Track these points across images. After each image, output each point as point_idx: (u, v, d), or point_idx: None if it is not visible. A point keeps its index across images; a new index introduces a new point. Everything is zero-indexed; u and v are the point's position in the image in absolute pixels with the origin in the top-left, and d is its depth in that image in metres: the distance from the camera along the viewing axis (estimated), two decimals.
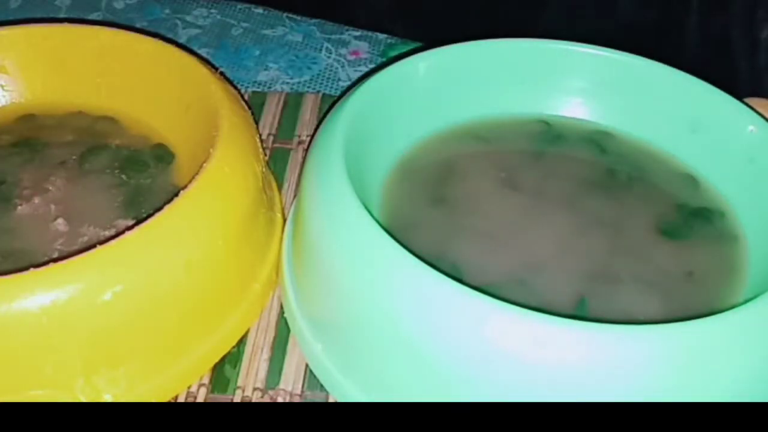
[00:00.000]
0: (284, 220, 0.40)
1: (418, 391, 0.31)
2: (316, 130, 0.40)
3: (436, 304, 0.30)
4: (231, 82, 0.42)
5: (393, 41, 0.56)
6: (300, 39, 0.56)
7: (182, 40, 0.55)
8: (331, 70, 0.53)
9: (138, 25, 0.56)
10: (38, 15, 0.57)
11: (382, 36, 0.56)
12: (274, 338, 0.37)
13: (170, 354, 0.34)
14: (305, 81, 0.53)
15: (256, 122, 0.42)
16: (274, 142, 0.47)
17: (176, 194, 0.33)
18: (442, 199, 0.38)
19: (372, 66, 0.53)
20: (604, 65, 0.41)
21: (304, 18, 0.58)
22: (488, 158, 0.41)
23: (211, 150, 0.35)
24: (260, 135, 0.42)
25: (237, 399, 0.35)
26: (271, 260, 0.38)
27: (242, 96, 0.41)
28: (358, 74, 0.53)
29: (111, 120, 0.43)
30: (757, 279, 0.35)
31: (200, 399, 0.35)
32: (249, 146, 0.37)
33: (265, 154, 0.44)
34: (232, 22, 0.57)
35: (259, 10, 0.58)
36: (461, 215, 0.38)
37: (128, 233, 0.31)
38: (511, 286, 0.34)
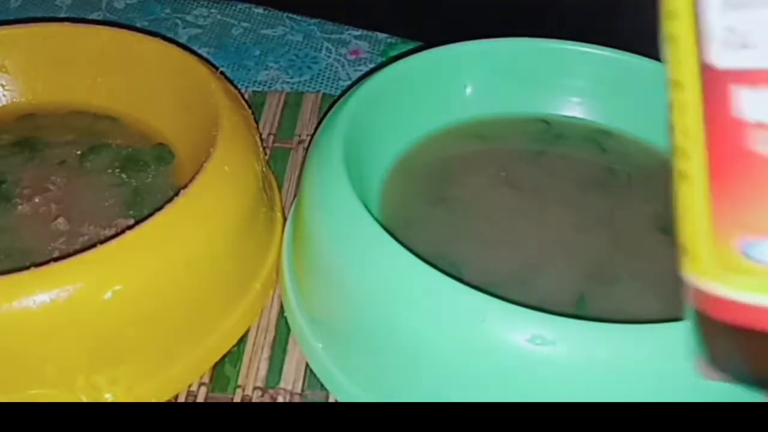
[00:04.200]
0: (284, 220, 0.40)
1: (418, 389, 0.31)
2: (316, 129, 0.40)
3: (435, 302, 0.30)
4: (231, 82, 0.42)
5: (393, 41, 0.56)
6: (300, 39, 0.56)
7: (182, 40, 0.55)
8: (331, 70, 0.53)
9: (138, 25, 0.56)
10: (38, 15, 0.57)
11: (382, 36, 0.56)
12: (275, 337, 0.37)
13: (171, 353, 0.34)
14: (305, 80, 0.53)
15: (257, 122, 0.42)
16: (274, 141, 0.47)
17: (176, 194, 0.33)
18: (442, 198, 0.38)
19: (372, 66, 0.54)
20: (604, 65, 0.42)
21: (304, 18, 0.58)
22: (488, 157, 0.41)
23: (211, 149, 0.35)
24: (260, 134, 0.42)
25: (237, 398, 0.35)
26: (272, 259, 0.38)
27: (242, 95, 0.41)
28: (358, 74, 0.53)
29: (111, 119, 0.43)
30: None
31: (200, 398, 0.35)
32: (249, 146, 0.37)
33: (266, 154, 0.44)
34: (233, 21, 0.57)
35: (260, 10, 0.58)
36: (461, 214, 0.38)
37: (128, 232, 0.31)
38: (511, 285, 0.34)
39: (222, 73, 0.41)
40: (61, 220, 0.37)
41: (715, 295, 0.19)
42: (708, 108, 0.18)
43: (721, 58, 0.17)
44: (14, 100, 0.43)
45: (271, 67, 0.54)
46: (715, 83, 0.18)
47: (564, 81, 0.42)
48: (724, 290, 0.18)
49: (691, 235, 0.20)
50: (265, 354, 0.36)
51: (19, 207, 0.38)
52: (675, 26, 0.18)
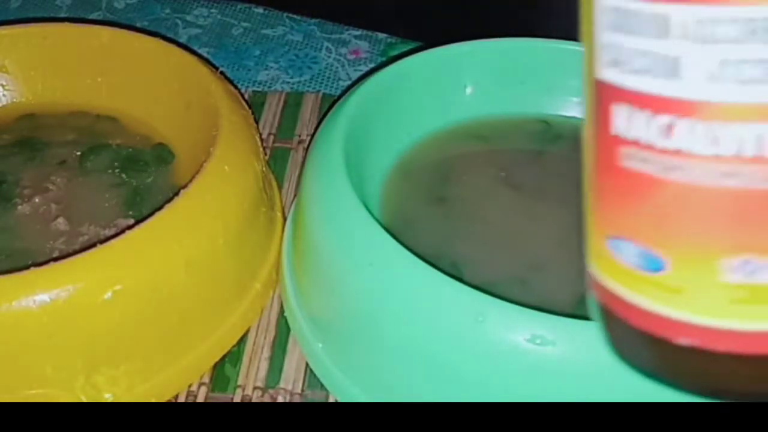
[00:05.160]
0: (284, 220, 0.40)
1: (418, 388, 0.31)
2: (316, 129, 0.40)
3: (435, 302, 0.30)
4: (231, 82, 0.42)
5: (393, 41, 0.56)
6: (300, 39, 0.56)
7: (183, 40, 0.55)
8: (331, 70, 0.53)
9: (138, 25, 0.56)
10: (38, 15, 0.57)
11: (382, 36, 0.56)
12: (275, 337, 0.37)
13: (170, 353, 0.34)
14: (305, 80, 0.53)
15: (257, 122, 0.42)
16: (274, 141, 0.47)
17: (176, 194, 0.33)
18: (442, 198, 0.38)
19: (372, 66, 0.54)
20: None
21: (304, 18, 0.58)
22: (488, 158, 0.41)
23: (211, 149, 0.35)
24: (260, 134, 0.42)
25: (237, 398, 0.35)
26: (272, 259, 0.38)
27: (242, 95, 0.41)
28: (358, 74, 0.53)
29: (111, 119, 0.43)
30: None
31: (200, 398, 0.35)
32: (249, 146, 0.37)
33: (266, 154, 0.44)
34: (233, 21, 0.57)
35: (260, 10, 0.58)
36: (461, 215, 0.38)
37: (129, 232, 0.31)
38: (511, 285, 0.34)
39: (222, 73, 0.41)
40: (61, 220, 0.37)
41: (600, 285, 0.20)
42: (594, 118, 0.19)
43: (601, 72, 0.18)
44: (14, 100, 0.44)
45: (271, 67, 0.54)
46: (598, 95, 0.19)
47: (564, 81, 0.42)
48: (601, 279, 0.20)
49: (588, 230, 0.21)
50: (265, 354, 0.36)
51: (19, 207, 0.38)
52: (582, 36, 0.19)
